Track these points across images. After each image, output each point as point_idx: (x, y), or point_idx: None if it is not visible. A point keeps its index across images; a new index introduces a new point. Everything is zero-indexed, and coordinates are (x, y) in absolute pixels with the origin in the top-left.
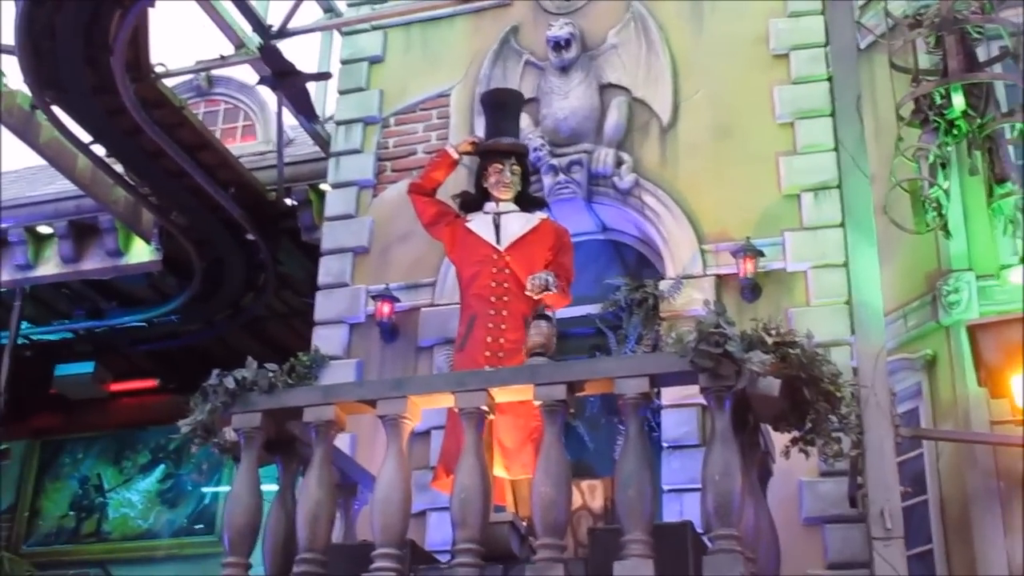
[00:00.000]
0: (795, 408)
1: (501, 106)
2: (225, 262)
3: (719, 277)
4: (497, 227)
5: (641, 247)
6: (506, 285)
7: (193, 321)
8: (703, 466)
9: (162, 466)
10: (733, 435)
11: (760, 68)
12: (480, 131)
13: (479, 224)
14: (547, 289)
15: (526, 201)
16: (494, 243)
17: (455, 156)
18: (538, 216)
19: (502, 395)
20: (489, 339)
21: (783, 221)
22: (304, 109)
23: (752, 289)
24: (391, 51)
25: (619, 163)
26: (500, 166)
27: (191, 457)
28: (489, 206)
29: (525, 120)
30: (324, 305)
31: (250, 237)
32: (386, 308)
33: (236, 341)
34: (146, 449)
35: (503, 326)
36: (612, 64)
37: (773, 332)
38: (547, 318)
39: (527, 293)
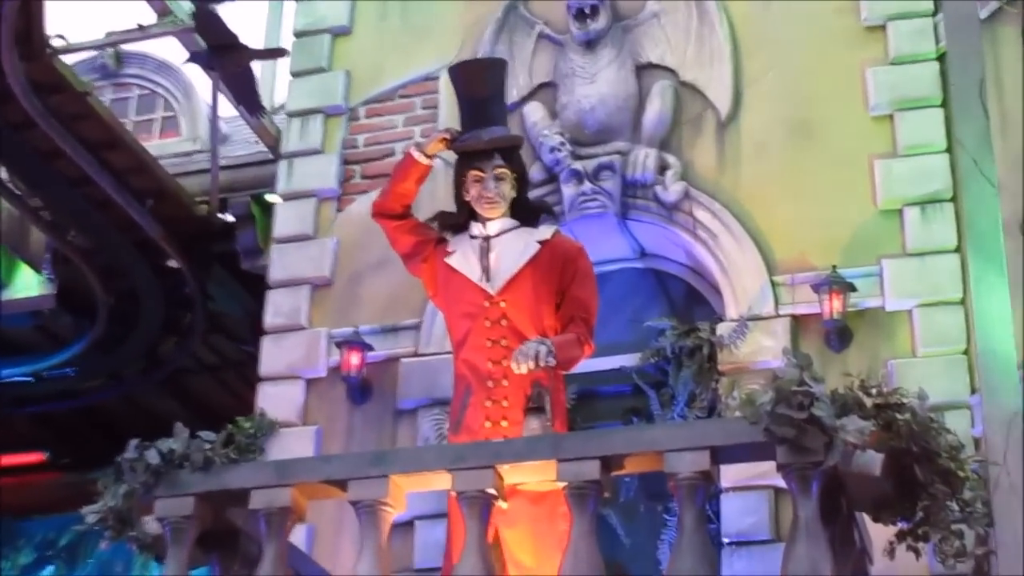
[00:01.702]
0: (902, 492)
1: (477, 83)
2: (139, 297)
3: (796, 318)
4: (486, 259)
5: (692, 278)
6: (505, 344)
7: (95, 375)
8: (782, 568)
9: (50, 568)
10: (821, 527)
11: (849, 43)
12: None
13: (463, 257)
14: (538, 365)
15: (525, 210)
16: (483, 284)
17: (424, 161)
18: (543, 233)
19: (514, 474)
20: (488, 424)
21: (880, 244)
22: (246, 96)
23: (840, 334)
24: (361, 20)
25: (663, 168)
26: (480, 173)
27: (93, 556)
28: (475, 228)
29: (539, 111)
30: (272, 355)
31: (173, 264)
32: (355, 359)
33: (152, 402)
34: (30, 545)
35: (505, 402)
36: (653, 38)
37: (873, 391)
38: (542, 411)
39: (513, 369)
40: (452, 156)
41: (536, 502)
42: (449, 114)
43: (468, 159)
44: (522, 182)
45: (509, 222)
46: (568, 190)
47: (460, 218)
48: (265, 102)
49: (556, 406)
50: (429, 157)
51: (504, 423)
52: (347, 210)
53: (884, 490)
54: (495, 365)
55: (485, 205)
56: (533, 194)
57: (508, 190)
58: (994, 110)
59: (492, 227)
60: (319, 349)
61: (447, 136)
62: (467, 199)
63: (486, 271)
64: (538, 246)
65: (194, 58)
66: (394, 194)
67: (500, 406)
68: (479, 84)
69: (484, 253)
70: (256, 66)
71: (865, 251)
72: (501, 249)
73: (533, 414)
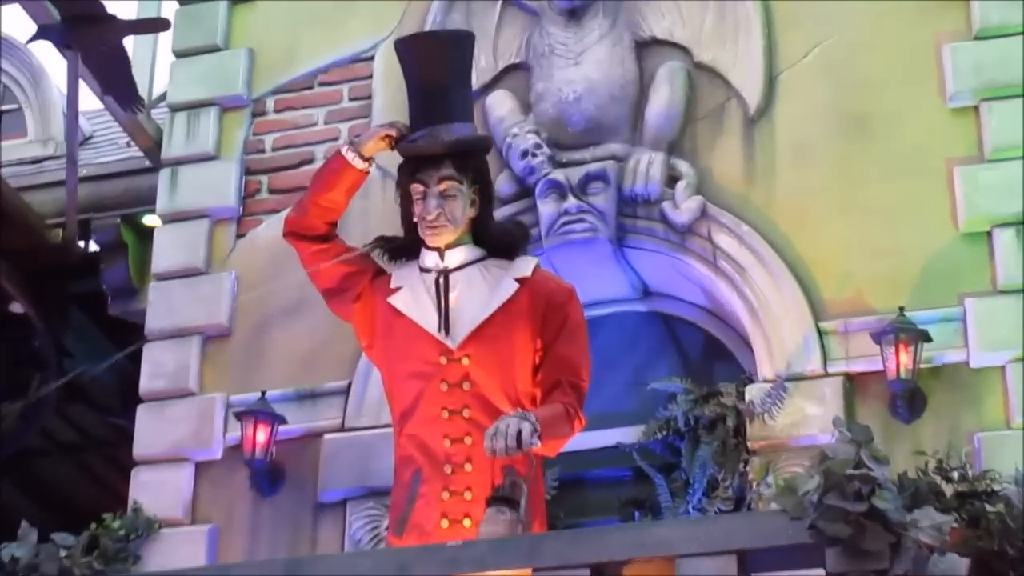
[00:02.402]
0: None
1: (433, 64)
2: None
3: (851, 378)
4: (444, 301)
5: (711, 325)
6: (467, 415)
7: None
8: None
9: None
10: None
11: (918, 11)
12: None
13: (411, 297)
14: (520, 447)
15: (491, 238)
16: (439, 335)
17: (360, 165)
18: (520, 268)
19: None
20: (446, 523)
21: (963, 279)
22: (118, 83)
23: (910, 399)
24: None
25: (672, 178)
26: (421, 187)
27: None
28: (428, 258)
29: (506, 103)
30: (150, 430)
31: (16, 309)
32: (261, 435)
33: None
34: None
35: (468, 494)
36: (658, 6)
37: (955, 475)
38: (510, 503)
39: (488, 453)
40: (394, 162)
41: None
42: (388, 106)
43: (412, 167)
44: (485, 198)
45: (473, 251)
46: (546, 208)
47: (407, 243)
48: (143, 92)
49: (533, 497)
50: (366, 160)
51: (467, 522)
52: (250, 235)
53: None
54: (455, 444)
55: (427, 231)
56: (501, 213)
57: (459, 210)
58: None
59: (451, 257)
60: (213, 422)
61: (391, 132)
62: (415, 219)
63: (444, 317)
64: (515, 285)
65: (44, 33)
66: (316, 206)
67: (462, 499)
68: (436, 66)
69: (441, 292)
70: (128, 44)
71: (943, 288)
72: (464, 288)
73: (497, 505)
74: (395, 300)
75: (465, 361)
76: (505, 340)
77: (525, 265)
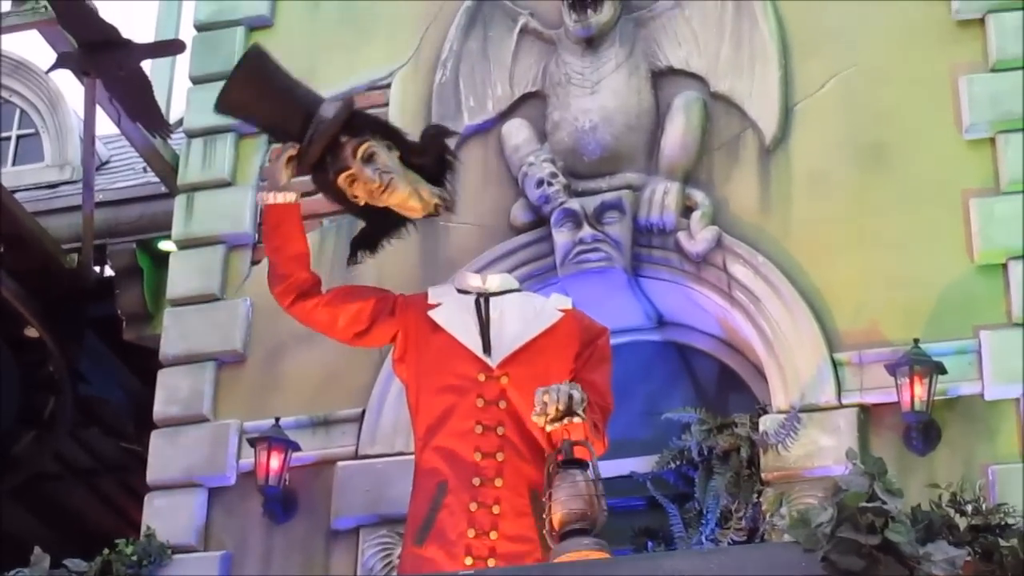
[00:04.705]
0: None
1: (256, 93)
2: None
3: (866, 410)
4: (485, 320)
5: (726, 355)
6: (501, 432)
7: None
8: None
9: None
10: None
11: (936, 42)
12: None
13: (453, 313)
14: (569, 414)
15: (427, 167)
16: (479, 352)
17: (287, 198)
18: (560, 303)
19: None
20: (472, 532)
21: (978, 311)
22: (142, 109)
23: (925, 431)
24: (286, 10)
25: (687, 208)
26: (347, 170)
27: None
28: (468, 279)
29: (523, 132)
30: (164, 455)
31: (31, 334)
32: (275, 461)
33: (2, 517)
34: None
35: (496, 508)
36: (675, 35)
37: (969, 508)
38: (580, 465)
39: (534, 418)
40: None
41: None
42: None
43: (324, 173)
44: (395, 138)
45: (510, 280)
46: (561, 237)
47: (373, 225)
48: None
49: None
50: (289, 192)
51: (493, 535)
52: (265, 262)
53: None
54: (486, 458)
55: (382, 196)
56: (516, 242)
57: (389, 159)
58: None
59: (492, 282)
60: (227, 448)
61: (290, 152)
62: (367, 205)
63: (484, 335)
64: (559, 314)
65: (63, 62)
66: (287, 261)
67: (489, 512)
68: (262, 89)
69: (482, 312)
70: (145, 70)
71: (958, 320)
72: (505, 311)
73: (567, 468)
74: (435, 314)
75: (504, 380)
76: (543, 364)
77: (564, 300)
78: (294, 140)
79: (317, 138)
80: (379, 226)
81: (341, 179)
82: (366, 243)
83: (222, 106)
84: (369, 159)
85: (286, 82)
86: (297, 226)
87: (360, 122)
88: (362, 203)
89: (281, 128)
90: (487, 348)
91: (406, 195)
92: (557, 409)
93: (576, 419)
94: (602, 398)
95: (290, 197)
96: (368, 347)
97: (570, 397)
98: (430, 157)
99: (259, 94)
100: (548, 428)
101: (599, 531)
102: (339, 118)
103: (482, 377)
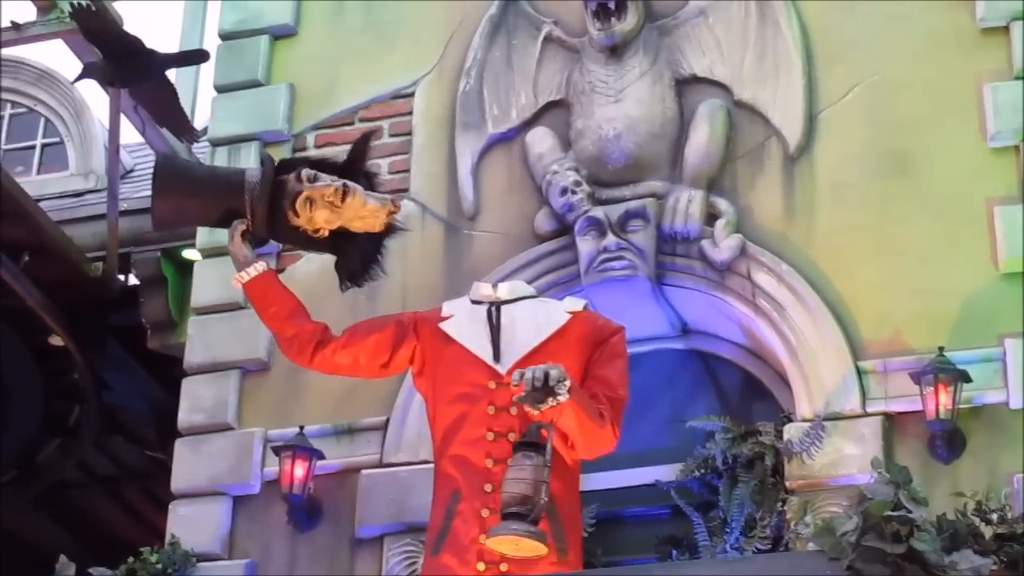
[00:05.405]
0: None
1: (185, 187)
2: (8, 386)
3: (890, 418)
4: (495, 329)
5: (750, 364)
6: (512, 438)
7: None
8: None
9: None
10: None
11: (960, 50)
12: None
13: (462, 323)
14: (550, 395)
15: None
16: (488, 359)
17: (258, 269)
18: (571, 303)
19: None
20: (484, 537)
21: (1003, 319)
22: (169, 116)
23: (949, 440)
24: (309, 18)
25: (712, 216)
26: (300, 193)
27: None
28: (479, 289)
29: (546, 140)
30: (188, 464)
31: (55, 342)
32: (299, 470)
33: (26, 526)
34: None
35: None
36: (699, 43)
37: (994, 516)
38: (536, 447)
39: (515, 399)
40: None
41: None
42: (427, 142)
43: (278, 219)
44: (327, 166)
45: (525, 287)
46: (585, 245)
47: (320, 235)
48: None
49: (569, 532)
50: (253, 262)
51: None
52: (289, 270)
53: None
54: (498, 464)
55: (346, 203)
56: (540, 250)
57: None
58: None
59: (503, 290)
60: (251, 457)
61: (240, 226)
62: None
63: (494, 343)
64: (567, 316)
65: (89, 72)
66: (287, 323)
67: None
68: (189, 191)
69: (493, 320)
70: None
71: (982, 328)
72: (516, 318)
73: (523, 450)
74: (447, 326)
75: (514, 386)
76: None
77: (576, 303)
78: (240, 218)
79: (258, 200)
80: (353, 256)
81: (299, 204)
82: (349, 275)
83: (158, 224)
84: (315, 178)
85: (203, 171)
86: (280, 288)
87: (287, 166)
88: (327, 232)
89: (224, 213)
90: (497, 355)
91: (363, 199)
92: (534, 386)
93: (560, 398)
94: (613, 390)
95: (260, 267)
96: (397, 374)
97: (546, 375)
98: (357, 163)
99: (185, 194)
100: (534, 412)
101: (536, 517)
102: (268, 174)
103: (492, 384)
